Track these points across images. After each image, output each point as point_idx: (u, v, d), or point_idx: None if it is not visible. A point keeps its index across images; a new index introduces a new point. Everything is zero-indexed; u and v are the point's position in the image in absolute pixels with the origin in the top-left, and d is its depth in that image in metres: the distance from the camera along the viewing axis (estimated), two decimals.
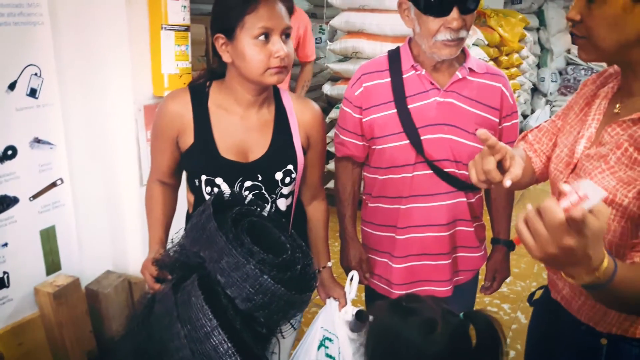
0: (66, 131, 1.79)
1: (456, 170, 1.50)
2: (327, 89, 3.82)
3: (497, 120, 1.51)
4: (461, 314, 0.88)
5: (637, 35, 0.93)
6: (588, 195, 0.69)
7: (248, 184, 1.35)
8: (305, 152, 1.43)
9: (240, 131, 1.35)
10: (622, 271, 0.82)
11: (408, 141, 1.47)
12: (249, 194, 1.35)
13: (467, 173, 1.50)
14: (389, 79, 1.49)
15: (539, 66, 6.65)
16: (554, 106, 6.76)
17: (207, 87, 1.37)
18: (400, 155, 1.49)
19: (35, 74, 1.66)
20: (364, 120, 1.53)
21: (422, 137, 1.46)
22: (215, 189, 1.35)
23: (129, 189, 1.90)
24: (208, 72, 1.40)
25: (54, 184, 1.78)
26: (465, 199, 1.54)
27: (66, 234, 1.85)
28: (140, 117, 1.84)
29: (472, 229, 1.59)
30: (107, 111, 1.84)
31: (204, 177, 1.35)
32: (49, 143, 1.74)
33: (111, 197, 1.92)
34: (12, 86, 1.60)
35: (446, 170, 1.49)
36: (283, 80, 1.29)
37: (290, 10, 3.14)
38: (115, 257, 2.00)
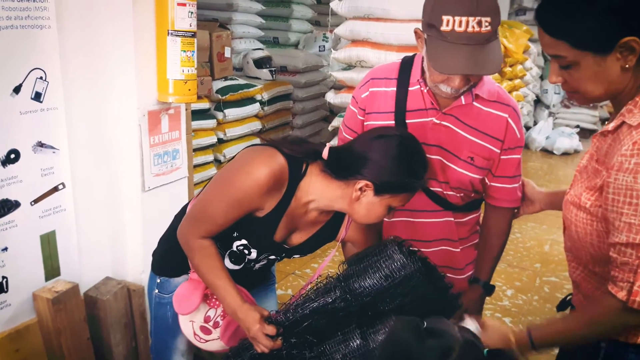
0: (69, 135, 1.78)
1: (443, 191, 1.48)
2: (330, 97, 3.80)
3: (498, 151, 1.45)
4: (485, 350, 0.85)
5: (618, 77, 1.02)
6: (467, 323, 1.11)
7: (272, 257, 1.43)
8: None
9: (296, 224, 1.36)
10: (537, 334, 1.09)
11: None
12: (265, 261, 1.44)
13: (456, 194, 1.48)
14: (395, 89, 1.47)
15: (542, 78, 6.64)
16: (556, 118, 6.76)
17: (302, 174, 1.28)
18: None
19: (41, 78, 1.65)
20: (365, 123, 1.52)
21: None
22: (246, 250, 1.37)
23: (131, 195, 1.89)
24: (311, 154, 1.30)
25: (55, 189, 1.77)
26: (452, 219, 1.52)
27: (66, 239, 1.83)
28: (144, 122, 1.83)
29: (458, 250, 1.57)
30: (110, 116, 1.83)
31: (244, 241, 1.35)
32: (52, 147, 1.73)
33: (112, 203, 1.91)
34: (17, 89, 1.59)
35: (433, 189, 1.48)
36: None
37: None
38: (115, 263, 1.98)
